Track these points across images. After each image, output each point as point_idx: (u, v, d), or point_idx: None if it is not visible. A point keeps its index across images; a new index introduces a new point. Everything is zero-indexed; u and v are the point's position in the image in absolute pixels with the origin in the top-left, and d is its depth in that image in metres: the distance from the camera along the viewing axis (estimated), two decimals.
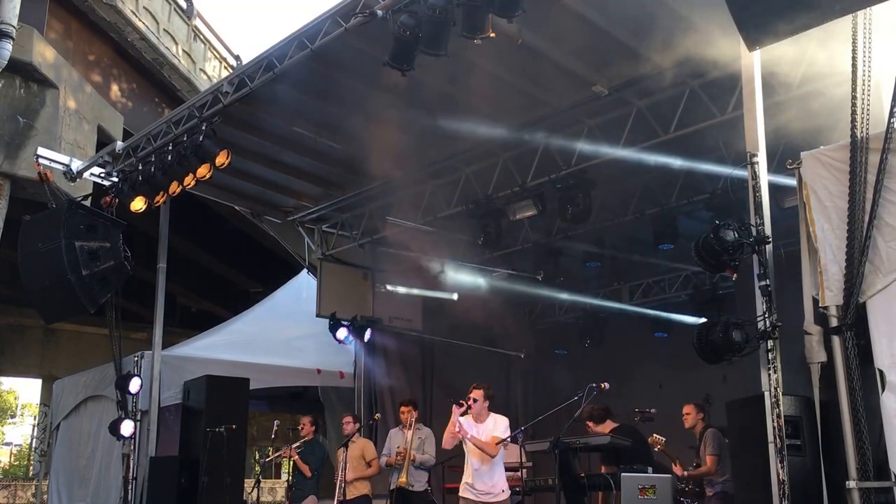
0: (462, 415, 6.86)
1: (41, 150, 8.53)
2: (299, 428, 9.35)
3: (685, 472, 7.82)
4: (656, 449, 7.79)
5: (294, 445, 9.03)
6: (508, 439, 6.84)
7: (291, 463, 9.16)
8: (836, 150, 5.24)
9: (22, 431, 37.56)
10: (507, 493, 6.88)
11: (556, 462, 6.32)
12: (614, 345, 12.17)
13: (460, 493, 6.93)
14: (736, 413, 5.96)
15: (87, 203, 8.31)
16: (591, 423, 8.24)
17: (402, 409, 8.52)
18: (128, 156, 8.68)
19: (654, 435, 7.84)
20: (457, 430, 6.71)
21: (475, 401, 6.87)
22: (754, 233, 5.23)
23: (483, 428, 6.86)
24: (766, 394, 5.03)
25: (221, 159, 7.70)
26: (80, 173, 8.73)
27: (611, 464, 7.87)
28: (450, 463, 8.94)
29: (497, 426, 6.85)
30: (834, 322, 5.03)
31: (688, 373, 9.69)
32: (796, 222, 5.44)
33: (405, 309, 12.20)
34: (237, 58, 16.76)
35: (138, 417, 9.64)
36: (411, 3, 5.69)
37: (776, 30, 4.38)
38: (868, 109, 5.02)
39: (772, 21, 4.26)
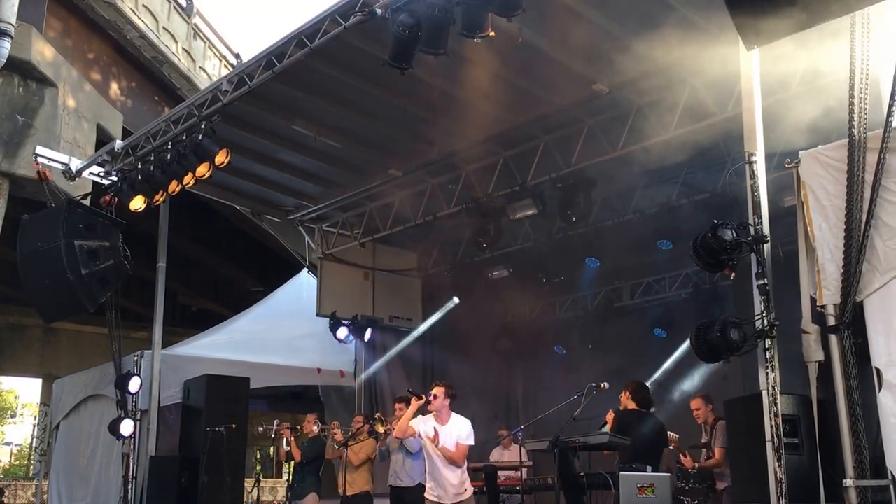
0: (421, 409, 6.97)
1: (40, 149, 8.52)
2: (302, 426, 9.34)
3: (696, 465, 7.80)
4: (671, 447, 7.75)
5: (291, 425, 9.02)
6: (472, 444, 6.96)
7: (291, 464, 9.16)
8: (835, 149, 5.24)
9: (22, 431, 37.52)
10: (469, 493, 6.91)
11: (555, 461, 6.30)
12: (614, 343, 12.15)
13: (425, 495, 6.99)
14: (734, 411, 5.97)
15: (87, 202, 8.31)
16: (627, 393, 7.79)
17: (396, 405, 8.56)
18: (127, 154, 8.68)
19: (669, 433, 7.81)
20: (426, 436, 6.86)
21: (435, 397, 6.95)
22: (752, 232, 5.23)
23: (446, 430, 6.91)
24: (764, 392, 5.03)
25: (221, 158, 7.70)
26: (79, 172, 8.73)
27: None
28: None
29: (462, 430, 6.90)
30: (831, 321, 5.04)
31: (687, 372, 9.69)
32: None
33: (406, 308, 12.22)
34: (237, 56, 16.75)
35: (138, 417, 9.65)
36: (410, 1, 5.69)
37: (774, 29, 4.37)
38: (866, 108, 5.01)
39: (770, 20, 4.25)
